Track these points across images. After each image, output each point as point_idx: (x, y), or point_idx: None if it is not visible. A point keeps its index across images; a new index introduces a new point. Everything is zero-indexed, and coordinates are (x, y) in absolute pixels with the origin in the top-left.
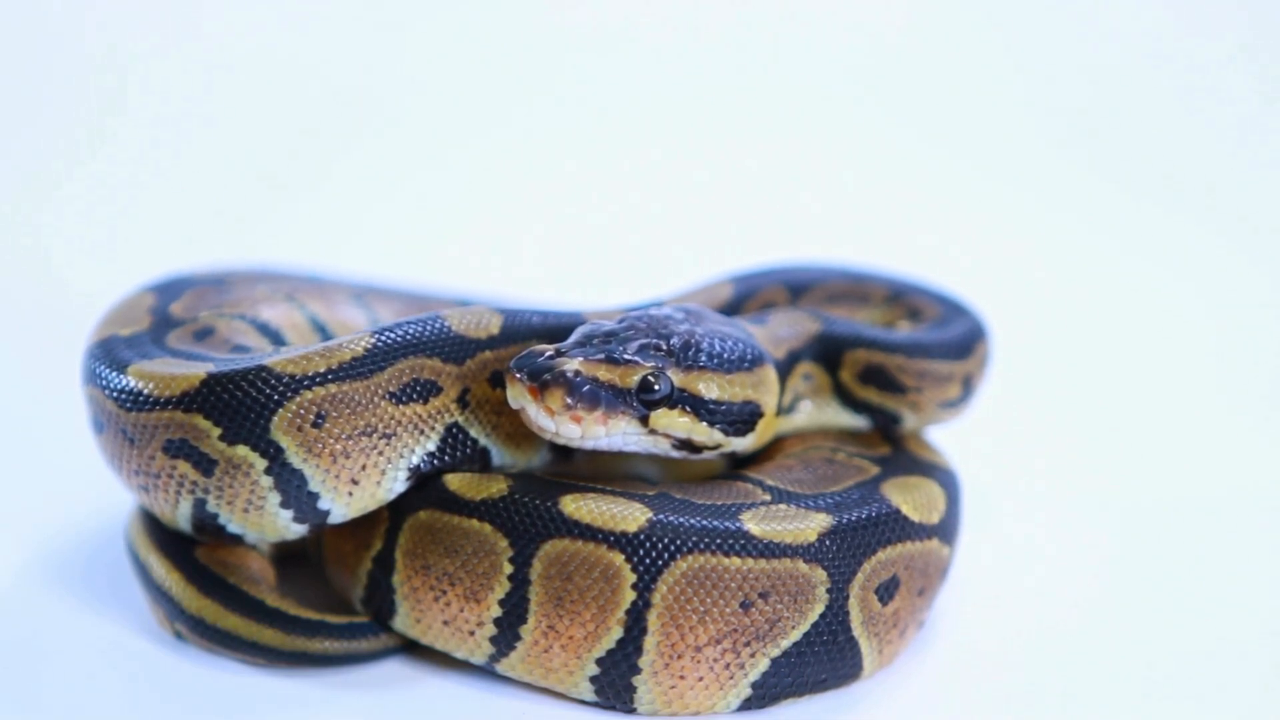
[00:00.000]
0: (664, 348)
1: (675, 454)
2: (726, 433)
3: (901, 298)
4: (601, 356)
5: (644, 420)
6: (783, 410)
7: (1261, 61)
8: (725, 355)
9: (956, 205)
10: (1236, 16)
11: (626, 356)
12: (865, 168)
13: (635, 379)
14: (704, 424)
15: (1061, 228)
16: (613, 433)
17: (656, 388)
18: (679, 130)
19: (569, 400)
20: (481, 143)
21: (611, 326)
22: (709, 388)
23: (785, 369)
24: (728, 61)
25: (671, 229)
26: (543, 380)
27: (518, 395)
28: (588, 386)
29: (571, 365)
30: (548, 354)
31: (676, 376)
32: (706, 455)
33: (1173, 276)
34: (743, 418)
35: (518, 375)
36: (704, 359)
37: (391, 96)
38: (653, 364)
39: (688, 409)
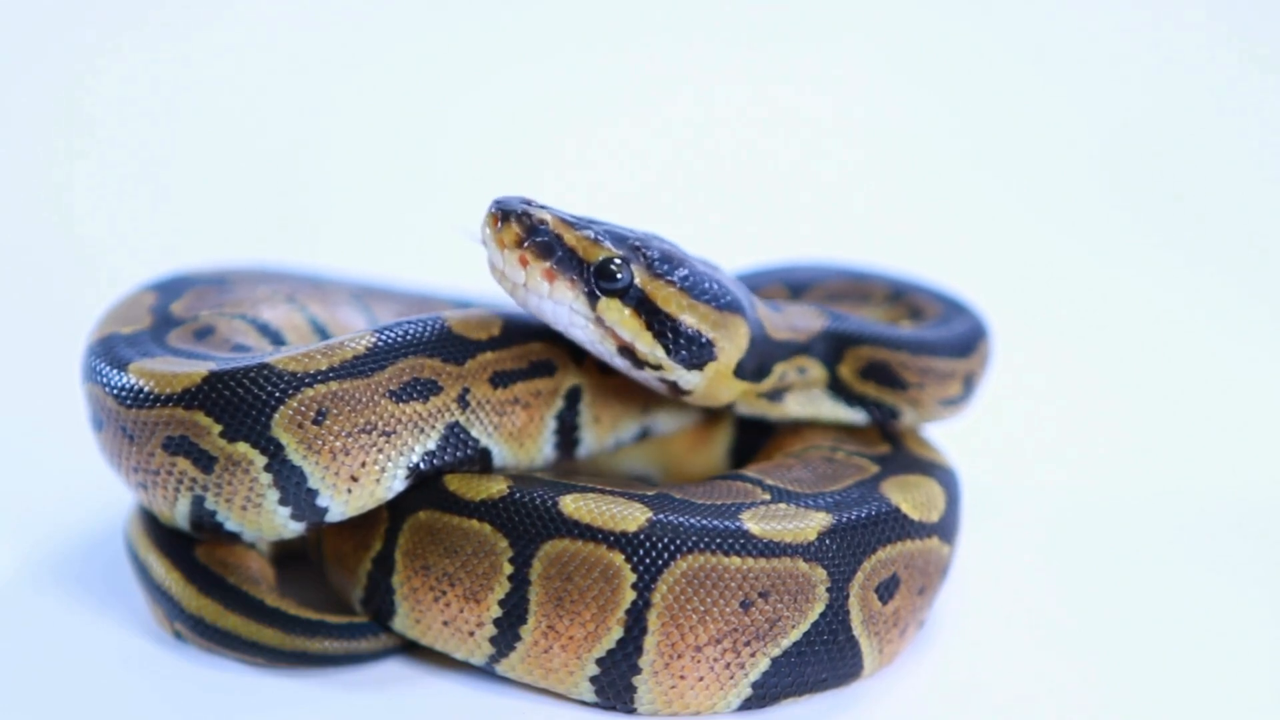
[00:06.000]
0: (641, 249)
1: (618, 361)
2: (670, 355)
3: (902, 296)
4: (576, 225)
5: (593, 305)
6: (765, 393)
7: (1262, 70)
8: (700, 285)
9: (956, 204)
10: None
11: (598, 236)
12: (865, 166)
13: (598, 257)
14: (650, 334)
15: (1061, 226)
16: (558, 298)
17: (618, 276)
18: (679, 129)
19: (525, 241)
20: (482, 142)
21: (609, 222)
22: (668, 301)
23: (780, 355)
24: (728, 60)
25: (671, 228)
26: (506, 215)
27: (484, 224)
28: (547, 238)
29: (541, 214)
30: (531, 200)
31: (639, 275)
32: (648, 377)
33: (1172, 275)
34: (692, 349)
35: (491, 208)
36: (676, 276)
37: (392, 95)
38: (621, 253)
39: (640, 314)
